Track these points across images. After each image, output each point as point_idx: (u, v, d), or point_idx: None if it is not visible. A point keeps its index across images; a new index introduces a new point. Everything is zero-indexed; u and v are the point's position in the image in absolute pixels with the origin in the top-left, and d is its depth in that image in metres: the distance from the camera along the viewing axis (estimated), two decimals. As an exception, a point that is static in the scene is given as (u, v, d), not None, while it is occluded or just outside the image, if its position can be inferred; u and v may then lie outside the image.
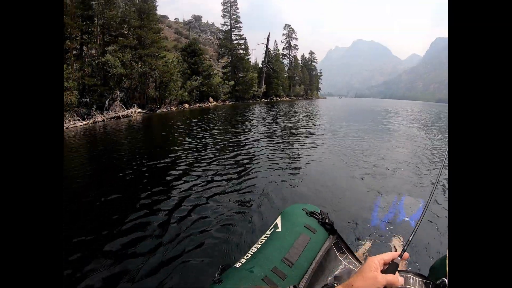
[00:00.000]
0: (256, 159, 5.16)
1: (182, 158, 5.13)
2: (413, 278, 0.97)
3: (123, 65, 13.27)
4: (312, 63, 55.73)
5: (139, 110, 14.16)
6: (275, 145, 6.50)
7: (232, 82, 27.44)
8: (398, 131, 9.96)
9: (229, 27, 31.07)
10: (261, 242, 1.07)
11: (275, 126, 10.14)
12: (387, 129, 10.28)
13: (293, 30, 45.59)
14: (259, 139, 7.25)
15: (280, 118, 12.81)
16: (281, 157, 5.31)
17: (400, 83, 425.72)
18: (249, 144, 6.54)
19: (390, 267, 0.65)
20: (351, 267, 1.14)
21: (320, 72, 58.50)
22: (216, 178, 4.02)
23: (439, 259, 1.25)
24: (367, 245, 2.67)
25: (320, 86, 61.70)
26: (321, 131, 9.19)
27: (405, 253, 0.68)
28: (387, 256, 0.67)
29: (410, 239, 0.70)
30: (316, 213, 1.18)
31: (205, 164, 4.72)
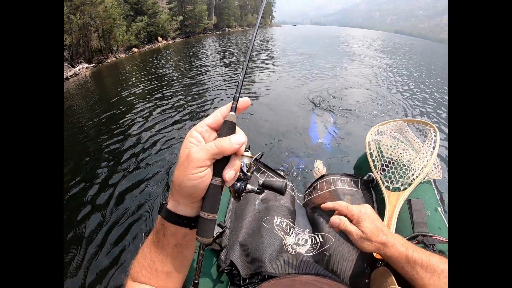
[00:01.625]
0: (214, 87, 5.77)
1: (146, 103, 5.07)
2: (341, 179, 1.07)
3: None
4: (266, -10, 52.59)
5: (87, 65, 13.43)
6: (231, 72, 7.25)
7: (181, 17, 25.55)
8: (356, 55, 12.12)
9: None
10: None
11: (231, 54, 11.20)
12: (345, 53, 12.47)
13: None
14: (214, 70, 7.89)
15: (235, 47, 14.07)
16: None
17: (357, 12, 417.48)
18: (208, 76, 7.05)
19: (224, 129, 0.42)
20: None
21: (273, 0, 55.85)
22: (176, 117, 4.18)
23: (359, 158, 1.30)
24: (320, 165, 2.37)
25: (273, 14, 59.59)
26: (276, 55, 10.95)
27: (242, 100, 0.44)
28: (212, 118, 0.44)
29: (241, 82, 0.45)
30: None
31: (167, 104, 4.84)
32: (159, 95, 5.43)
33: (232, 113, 0.43)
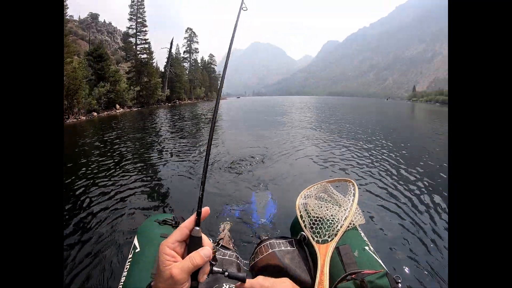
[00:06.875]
0: (163, 163, 5.38)
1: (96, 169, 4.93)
2: (277, 242, 1.21)
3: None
4: (212, 66, 58.86)
5: (50, 122, 13.45)
6: (182, 146, 7.03)
7: (138, 88, 27.24)
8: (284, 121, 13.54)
9: (134, 31, 30.82)
10: (126, 269, 1.01)
11: (180, 129, 11.09)
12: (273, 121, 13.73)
13: (194, 33, 47.50)
14: (167, 141, 7.81)
15: (184, 120, 14.29)
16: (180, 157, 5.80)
17: (294, 80, 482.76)
18: (159, 148, 6.89)
19: (192, 244, 0.50)
20: (226, 257, 1.19)
21: (219, 74, 62.18)
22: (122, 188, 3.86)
23: (293, 220, 1.43)
24: (227, 227, 2.50)
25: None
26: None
27: (203, 210, 0.52)
28: (178, 233, 0.51)
29: (200, 197, 0.53)
30: (169, 220, 1.19)
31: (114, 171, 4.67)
32: (112, 164, 5.26)
33: (197, 228, 0.51)
